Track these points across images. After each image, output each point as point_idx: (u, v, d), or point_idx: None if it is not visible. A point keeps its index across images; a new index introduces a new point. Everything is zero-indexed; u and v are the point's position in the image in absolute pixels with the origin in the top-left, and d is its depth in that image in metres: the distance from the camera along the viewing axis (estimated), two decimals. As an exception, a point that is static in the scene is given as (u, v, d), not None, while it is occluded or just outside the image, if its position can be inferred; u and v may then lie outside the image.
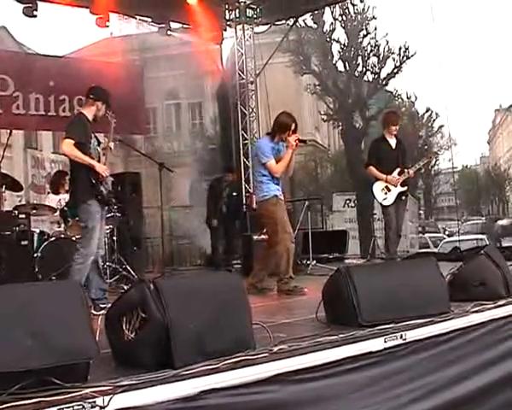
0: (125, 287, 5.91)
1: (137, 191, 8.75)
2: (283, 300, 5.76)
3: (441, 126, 33.26)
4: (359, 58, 20.38)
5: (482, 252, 4.79)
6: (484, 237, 19.28)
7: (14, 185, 7.48)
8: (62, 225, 7.04)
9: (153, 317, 2.89)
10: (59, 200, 7.55)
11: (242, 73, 11.25)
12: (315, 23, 20.17)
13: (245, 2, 11.09)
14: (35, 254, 6.68)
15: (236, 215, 9.70)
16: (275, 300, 5.82)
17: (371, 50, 20.38)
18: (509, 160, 48.47)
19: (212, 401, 2.67)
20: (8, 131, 7.79)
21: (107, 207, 6.01)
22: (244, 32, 11.17)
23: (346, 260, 9.43)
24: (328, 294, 4.06)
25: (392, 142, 7.59)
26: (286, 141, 6.09)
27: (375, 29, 20.42)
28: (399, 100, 28.74)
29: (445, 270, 4.53)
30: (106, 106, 5.47)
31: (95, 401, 2.37)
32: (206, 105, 23.49)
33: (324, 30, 20.25)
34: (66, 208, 6.83)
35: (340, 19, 19.98)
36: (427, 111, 33.50)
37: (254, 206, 9.86)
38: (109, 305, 3.48)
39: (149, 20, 10.59)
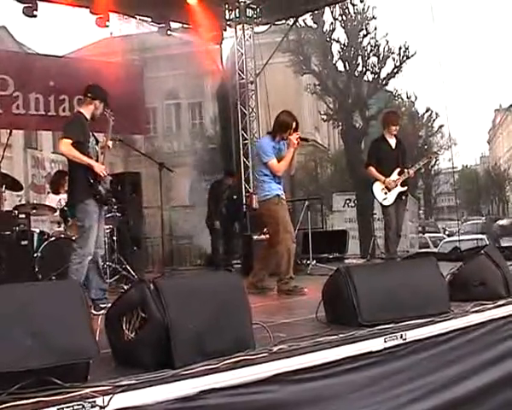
0: (125, 287, 5.91)
1: (137, 191, 8.75)
2: (283, 300, 5.75)
3: (441, 126, 33.31)
4: (359, 58, 20.38)
5: (482, 252, 4.78)
6: (484, 236, 19.28)
7: (14, 185, 7.47)
8: (62, 225, 7.04)
9: (153, 317, 2.90)
10: (59, 200, 7.54)
11: (242, 72, 11.25)
12: (315, 23, 20.17)
13: (245, 2, 11.09)
14: (35, 254, 6.67)
15: (236, 217, 9.69)
16: (275, 300, 5.82)
17: (371, 50, 20.38)
18: (509, 160, 48.46)
19: (211, 401, 2.67)
20: (8, 130, 7.78)
21: (106, 207, 6.01)
22: (244, 32, 11.17)
23: (346, 260, 9.43)
24: (328, 294, 4.06)
25: (392, 142, 7.59)
26: (287, 140, 6.09)
27: (375, 29, 20.46)
28: (399, 100, 28.76)
29: (445, 270, 4.53)
30: (104, 104, 5.45)
31: (95, 401, 2.37)
32: (206, 105, 23.51)
33: (324, 30, 20.25)
34: (66, 208, 6.83)
35: (339, 19, 19.99)
36: (427, 111, 33.56)
37: (254, 206, 9.92)
38: (109, 305, 3.48)
39: (149, 19, 10.59)
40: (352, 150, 20.12)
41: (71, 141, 5.13)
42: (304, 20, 18.74)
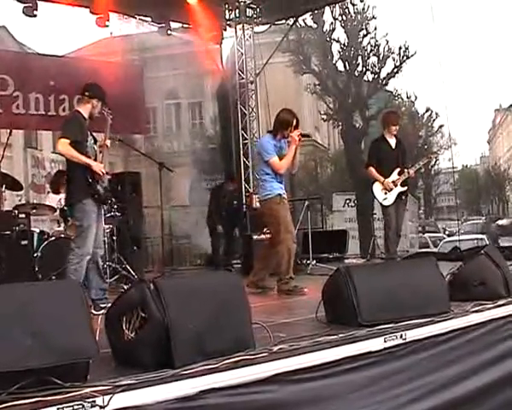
0: (125, 287, 5.91)
1: (137, 191, 8.75)
2: (283, 299, 5.75)
3: (441, 126, 33.33)
4: (359, 58, 20.38)
5: (482, 252, 4.78)
6: (484, 236, 19.28)
7: (14, 185, 7.47)
8: (62, 225, 7.04)
9: (153, 317, 2.90)
10: (59, 199, 7.54)
11: (242, 72, 11.25)
12: (315, 23, 20.17)
13: (245, 2, 11.09)
14: (35, 254, 6.67)
15: (237, 221, 9.64)
16: (275, 299, 5.81)
17: (371, 50, 20.38)
18: (509, 159, 48.47)
19: (211, 401, 2.67)
20: (8, 130, 7.77)
21: (106, 207, 6.00)
22: (244, 32, 11.16)
23: (346, 260, 9.43)
24: (328, 294, 4.06)
25: (392, 142, 7.58)
26: (288, 137, 6.08)
27: (375, 29, 20.47)
28: (399, 100, 28.76)
29: (444, 270, 4.53)
30: (101, 103, 5.43)
31: (94, 401, 2.37)
32: (206, 105, 23.50)
33: (324, 30, 20.25)
34: (65, 208, 6.82)
35: (339, 18, 19.99)
36: (427, 111, 33.58)
37: (254, 206, 9.91)
38: (109, 305, 3.48)
39: (149, 19, 10.59)
40: (352, 150, 20.12)
41: (69, 141, 5.11)
42: (304, 20, 18.78)
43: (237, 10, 11.09)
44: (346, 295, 3.78)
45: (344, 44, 20.26)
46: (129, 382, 2.55)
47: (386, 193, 7.41)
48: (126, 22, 13.01)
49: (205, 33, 10.55)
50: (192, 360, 2.84)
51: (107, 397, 2.40)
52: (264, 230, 7.76)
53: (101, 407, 2.37)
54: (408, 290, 3.91)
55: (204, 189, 18.52)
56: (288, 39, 16.22)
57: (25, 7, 8.66)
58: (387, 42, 20.55)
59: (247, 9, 11.15)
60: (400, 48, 20.36)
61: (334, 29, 20.11)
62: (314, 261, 8.44)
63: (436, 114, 33.12)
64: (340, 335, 3.41)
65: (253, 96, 11.42)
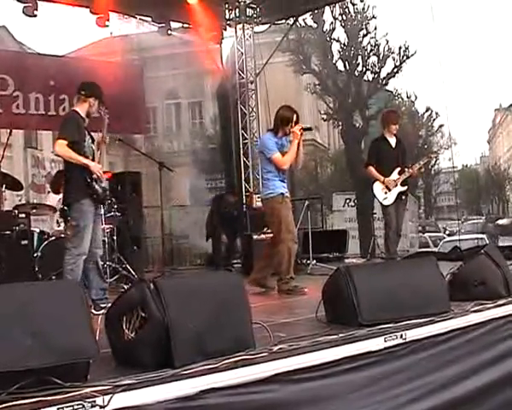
0: (125, 286, 5.91)
1: (137, 191, 8.74)
2: (283, 299, 5.75)
3: (441, 126, 33.34)
4: (359, 57, 20.37)
5: (482, 251, 4.78)
6: (484, 236, 19.28)
7: (15, 185, 7.47)
8: (62, 225, 7.03)
9: (153, 316, 2.90)
10: (59, 199, 7.53)
11: (242, 72, 11.24)
12: (315, 22, 20.17)
13: (245, 2, 11.08)
14: (35, 254, 6.67)
15: (237, 226, 9.59)
16: (275, 299, 5.81)
17: (371, 50, 20.37)
18: (509, 159, 48.46)
19: (211, 401, 2.67)
20: (8, 130, 7.78)
21: (106, 207, 5.99)
22: (244, 32, 11.15)
23: (346, 260, 9.42)
24: (328, 293, 4.06)
25: (392, 141, 7.58)
26: (290, 133, 6.06)
27: (375, 28, 20.45)
28: (399, 99, 28.76)
29: (445, 269, 4.53)
30: (98, 101, 5.41)
31: (95, 401, 2.38)
32: (206, 104, 23.50)
33: (324, 29, 20.25)
34: (66, 208, 6.82)
35: (339, 18, 19.99)
36: (427, 110, 33.58)
37: (254, 205, 9.90)
38: (109, 304, 3.48)
39: (149, 19, 10.58)
40: (352, 150, 20.12)
41: (66, 142, 5.10)
42: (304, 20, 18.78)
43: (237, 10, 11.08)
44: (346, 295, 3.78)
45: (344, 44, 20.26)
46: (129, 382, 2.55)
47: (386, 192, 7.41)
48: (126, 22, 13.02)
49: (205, 33, 10.54)
50: (192, 359, 2.84)
51: (107, 397, 2.40)
52: (265, 229, 7.76)
53: (101, 406, 2.37)
54: (408, 290, 3.91)
55: (204, 188, 18.55)
56: (288, 39, 16.21)
57: (25, 7, 8.66)
58: (387, 42, 20.58)
59: (247, 9, 11.14)
60: (400, 48, 20.38)
61: (334, 29, 20.12)
62: (314, 261, 8.44)
63: (436, 113, 33.18)
64: (340, 335, 3.41)
65: (253, 96, 11.41)
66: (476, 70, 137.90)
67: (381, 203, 7.55)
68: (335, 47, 20.41)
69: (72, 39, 68.25)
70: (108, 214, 7.06)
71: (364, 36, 20.32)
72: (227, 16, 11.17)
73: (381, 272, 4.28)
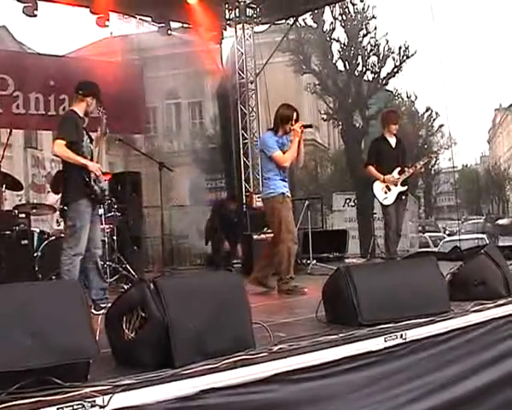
0: (125, 286, 5.91)
1: (137, 191, 8.75)
2: (283, 299, 5.75)
3: (441, 126, 33.32)
4: (359, 57, 20.36)
5: (482, 251, 4.78)
6: (484, 236, 19.28)
7: (15, 185, 7.48)
8: (62, 225, 7.03)
9: (153, 316, 2.90)
10: (58, 199, 7.54)
11: (242, 72, 11.25)
12: (315, 22, 20.17)
13: (245, 2, 11.09)
14: (35, 254, 6.67)
15: (237, 237, 9.57)
16: (275, 299, 5.81)
17: (371, 50, 20.37)
18: (509, 159, 48.45)
19: (211, 401, 2.67)
20: (9, 130, 7.78)
21: (106, 207, 5.99)
22: (244, 32, 11.16)
23: (346, 260, 9.43)
24: (328, 293, 4.06)
25: (392, 141, 7.58)
26: (290, 132, 6.05)
27: (375, 28, 20.44)
28: (399, 99, 28.75)
29: (445, 269, 4.53)
30: (96, 100, 5.40)
31: (94, 401, 2.38)
32: (206, 104, 23.50)
33: (324, 29, 20.24)
34: (65, 208, 6.82)
35: (339, 18, 19.98)
36: (427, 110, 33.57)
37: (254, 205, 9.91)
38: (109, 304, 3.48)
39: (149, 19, 10.59)
40: (352, 150, 20.12)
41: (64, 142, 5.10)
42: (304, 20, 18.78)
43: (237, 10, 11.09)
44: (346, 295, 3.78)
45: (344, 44, 20.25)
46: (129, 382, 2.55)
47: (386, 192, 7.40)
48: (126, 22, 13.03)
49: (205, 33, 10.55)
50: (192, 359, 2.84)
51: (107, 397, 2.40)
52: (265, 229, 7.77)
53: (101, 406, 2.37)
54: (408, 290, 3.91)
55: (204, 188, 18.56)
56: (287, 39, 16.22)
57: (25, 7, 8.66)
58: (387, 42, 20.56)
59: (247, 9, 11.15)
60: (400, 47, 20.36)
61: (334, 29, 20.11)
62: (314, 261, 8.44)
63: (436, 113, 33.16)
64: (340, 335, 3.40)
65: (253, 96, 11.42)
66: (476, 70, 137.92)
67: (381, 203, 7.54)
68: (335, 47, 20.45)
69: (72, 39, 68.32)
70: (108, 214, 7.06)
71: (364, 36, 20.32)
72: (227, 16, 11.18)
73: (381, 272, 4.28)
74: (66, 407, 2.32)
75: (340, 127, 21.94)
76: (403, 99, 29.68)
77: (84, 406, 2.35)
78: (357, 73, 20.45)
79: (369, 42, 20.38)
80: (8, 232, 6.52)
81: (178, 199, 17.25)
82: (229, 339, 3.05)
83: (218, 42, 11.16)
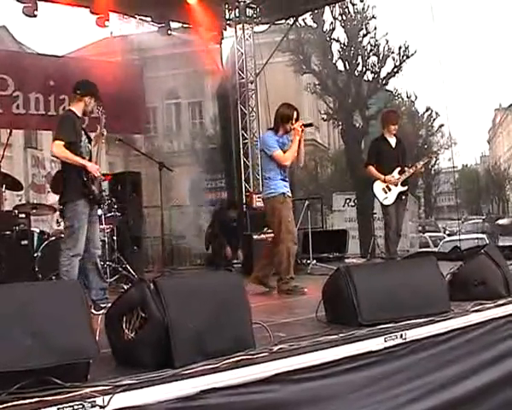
0: (125, 286, 5.91)
1: (137, 191, 8.75)
2: (283, 299, 5.75)
3: (441, 126, 33.33)
4: (359, 57, 20.37)
5: (482, 251, 4.78)
6: (484, 236, 19.27)
7: (15, 185, 7.48)
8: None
9: (153, 316, 2.90)
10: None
11: (242, 72, 11.25)
12: (315, 22, 20.17)
13: (245, 2, 11.09)
14: (35, 254, 6.68)
15: (237, 243, 9.57)
16: (275, 299, 5.81)
17: (371, 50, 20.37)
18: (509, 159, 48.46)
19: (211, 401, 2.67)
20: (9, 130, 7.79)
21: (106, 207, 5.98)
22: (244, 32, 11.16)
23: (346, 260, 9.42)
24: (328, 293, 4.06)
25: (392, 141, 7.58)
26: (291, 131, 6.05)
27: (375, 28, 20.46)
28: (399, 99, 28.77)
29: (445, 269, 4.53)
30: (94, 99, 5.39)
31: (95, 401, 2.37)
32: (206, 104, 23.49)
33: (324, 29, 20.25)
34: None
35: (339, 18, 19.99)
36: (427, 110, 33.58)
37: (254, 205, 9.90)
38: (109, 304, 3.48)
39: (149, 19, 10.59)
40: (352, 150, 20.12)
41: (62, 143, 5.10)
42: (304, 20, 18.79)
43: (237, 10, 11.09)
44: (346, 295, 3.78)
45: (344, 44, 20.26)
46: (129, 382, 2.55)
47: (386, 192, 7.40)
48: (126, 22, 13.01)
49: (205, 33, 10.56)
50: (192, 359, 2.84)
51: (107, 397, 2.39)
52: (265, 229, 7.76)
53: (101, 406, 2.37)
54: (408, 290, 3.90)
55: (204, 188, 18.55)
56: (287, 39, 16.23)
57: (25, 7, 8.66)
58: (387, 42, 20.58)
59: (247, 9, 11.15)
60: (400, 47, 20.37)
61: (333, 29, 20.12)
62: (314, 261, 8.44)
63: (436, 113, 33.17)
64: (340, 335, 3.40)
65: (253, 96, 11.42)
66: (476, 70, 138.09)
67: (381, 203, 7.54)
68: (335, 47, 20.46)
69: (72, 39, 68.34)
70: (108, 214, 7.07)
71: (364, 36, 20.33)
72: (227, 16, 11.18)
73: (381, 272, 4.28)
74: (67, 407, 2.32)
75: (340, 127, 21.94)
76: (403, 99, 29.72)
77: (84, 406, 2.34)
78: (357, 73, 20.45)
79: (369, 42, 20.41)
80: (8, 232, 6.52)
81: (178, 199, 17.25)
82: (229, 339, 3.05)
83: (217, 42, 11.16)
